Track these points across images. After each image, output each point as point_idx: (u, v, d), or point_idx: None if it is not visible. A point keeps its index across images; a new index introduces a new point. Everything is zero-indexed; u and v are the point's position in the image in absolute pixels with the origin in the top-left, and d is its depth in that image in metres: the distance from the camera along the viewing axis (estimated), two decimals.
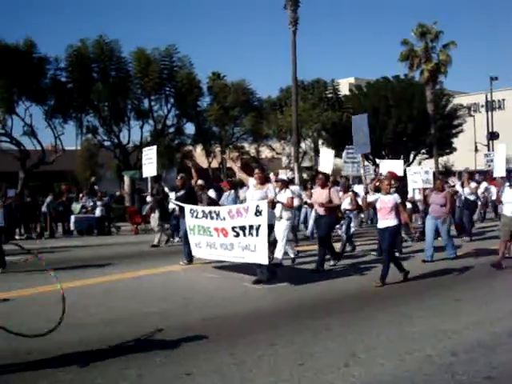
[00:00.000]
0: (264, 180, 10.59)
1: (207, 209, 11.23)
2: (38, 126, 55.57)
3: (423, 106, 40.31)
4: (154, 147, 14.80)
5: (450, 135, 44.71)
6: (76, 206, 24.59)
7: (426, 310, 8.09)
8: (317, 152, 42.49)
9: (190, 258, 12.37)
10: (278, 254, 11.54)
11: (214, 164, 42.66)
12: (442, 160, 47.35)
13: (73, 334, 6.93)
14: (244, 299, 9.10)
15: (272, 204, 10.20)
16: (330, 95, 43.61)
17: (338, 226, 13.87)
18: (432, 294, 9.31)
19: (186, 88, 36.37)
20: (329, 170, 15.77)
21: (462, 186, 17.20)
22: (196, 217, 11.28)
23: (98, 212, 22.91)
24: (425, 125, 40.24)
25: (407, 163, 44.51)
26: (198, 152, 44.22)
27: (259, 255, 9.63)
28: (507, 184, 12.18)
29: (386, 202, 10.18)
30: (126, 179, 35.36)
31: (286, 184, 12.24)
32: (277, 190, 11.74)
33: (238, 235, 10.06)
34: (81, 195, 27.99)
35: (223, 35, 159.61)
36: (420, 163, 42.78)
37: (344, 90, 46.39)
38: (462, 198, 16.98)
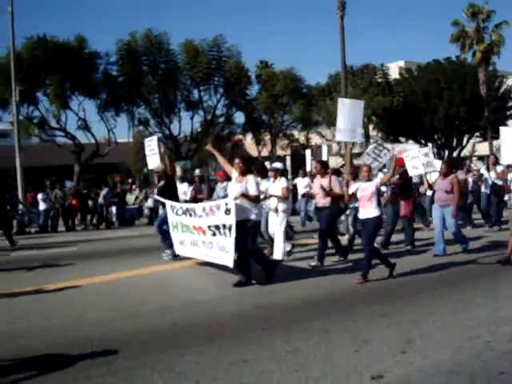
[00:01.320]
0: (245, 171, 9.40)
1: (185, 206, 10.59)
2: (91, 120, 56.66)
3: (476, 88, 39.38)
4: (155, 137, 14.22)
5: (505, 117, 43.56)
6: (130, 197, 25.16)
7: (481, 296, 7.98)
8: (367, 138, 42.08)
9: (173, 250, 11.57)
10: (278, 254, 10.88)
11: (265, 152, 42.70)
12: (497, 143, 46.19)
13: (131, 323, 7.12)
14: (297, 286, 9.12)
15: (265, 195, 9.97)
16: (379, 80, 43.01)
17: (342, 218, 12.99)
18: (482, 281, 9.16)
19: (235, 77, 36.54)
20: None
21: (488, 170, 16.17)
22: (177, 213, 10.66)
23: (149, 202, 23.32)
24: (478, 108, 39.35)
25: (460, 146, 43.67)
26: (248, 141, 44.36)
27: (228, 257, 9.04)
28: None
29: (364, 189, 9.40)
30: (178, 169, 35.75)
31: (280, 173, 11.36)
32: (271, 180, 11.29)
33: (214, 234, 9.38)
34: (134, 186, 28.52)
35: (271, 23, 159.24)
36: (474, 146, 41.89)
37: (394, 74, 45.66)
38: (490, 182, 15.99)
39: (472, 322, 6.61)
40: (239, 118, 42.13)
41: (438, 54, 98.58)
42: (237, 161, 9.51)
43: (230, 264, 8.99)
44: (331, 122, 41.80)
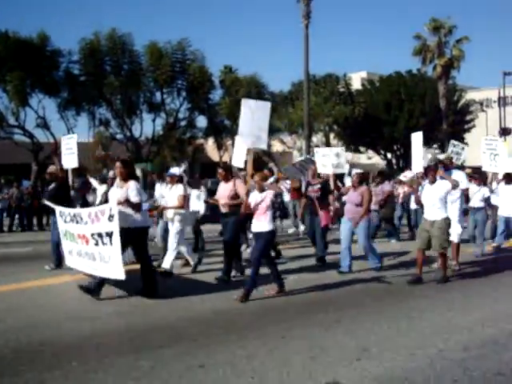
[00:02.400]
0: (127, 176, 8.63)
1: (73, 211, 9.22)
2: (51, 119, 55.81)
3: (436, 101, 40.18)
4: (75, 135, 12.86)
5: (462, 130, 44.50)
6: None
7: (434, 305, 8.11)
8: (328, 146, 42.44)
9: (58, 263, 10.96)
10: (166, 263, 10.33)
11: (226, 157, 42.64)
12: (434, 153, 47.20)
13: (86, 326, 7.02)
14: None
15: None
16: (342, 89, 43.53)
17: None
18: (436, 290, 9.30)
19: (198, 81, 36.47)
20: (240, 163, 11.38)
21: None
22: (65, 221, 9.33)
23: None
24: (437, 120, 40.13)
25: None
26: (210, 145, 44.28)
27: (114, 268, 8.00)
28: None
29: (258, 200, 8.60)
30: (138, 171, 35.44)
31: (177, 179, 10.75)
32: (169, 186, 10.87)
33: (97, 244, 8.29)
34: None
35: (235, 29, 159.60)
36: (451, 157, 42.50)
37: (356, 84, 46.27)
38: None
39: (426, 330, 6.71)
40: (201, 122, 41.95)
41: (400, 66, 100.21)
42: (117, 164, 8.79)
43: (119, 276, 7.94)
44: (293, 129, 42.17)
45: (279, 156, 43.97)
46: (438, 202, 9.61)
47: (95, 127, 38.12)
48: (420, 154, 11.21)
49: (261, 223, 8.58)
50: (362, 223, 10.61)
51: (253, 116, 9.29)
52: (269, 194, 8.62)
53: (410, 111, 41.20)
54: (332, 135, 44.43)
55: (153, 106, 37.45)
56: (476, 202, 12.86)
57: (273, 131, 42.92)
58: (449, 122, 40.55)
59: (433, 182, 9.77)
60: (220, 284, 9.55)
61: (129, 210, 8.32)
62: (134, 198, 8.35)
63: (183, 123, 39.66)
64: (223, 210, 10.25)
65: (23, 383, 5.13)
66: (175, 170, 11.03)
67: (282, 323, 7.08)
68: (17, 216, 21.74)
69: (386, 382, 5.09)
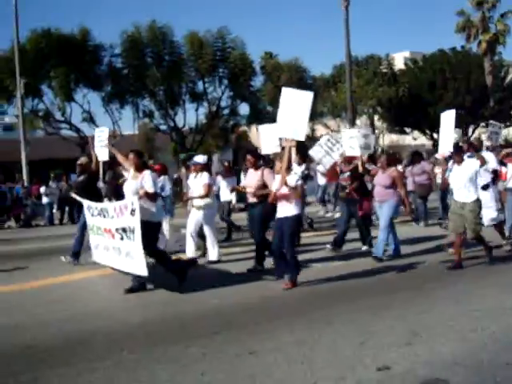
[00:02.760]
0: (140, 166, 8.53)
1: (100, 206, 9.23)
2: (96, 112, 56.71)
3: (481, 78, 39.26)
4: (106, 129, 12.80)
5: (510, 107, 43.39)
6: None
7: (485, 287, 7.96)
8: (373, 128, 41.97)
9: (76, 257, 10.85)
10: (213, 255, 10.31)
11: None
12: (503, 134, 46.08)
13: (135, 315, 7.14)
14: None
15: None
16: (384, 70, 42.85)
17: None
18: (488, 271, 9.13)
19: (239, 69, 36.39)
20: (269, 151, 11.59)
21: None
22: (92, 214, 9.35)
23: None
24: (483, 97, 39.21)
25: (466, 137, 43.51)
26: (253, 132, 44.27)
27: (137, 264, 7.97)
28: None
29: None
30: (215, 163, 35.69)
31: (201, 167, 10.43)
32: (192, 174, 10.65)
33: (122, 238, 8.29)
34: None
35: (275, 14, 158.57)
36: (480, 137, 41.70)
37: (399, 64, 45.49)
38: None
39: (477, 313, 6.60)
40: (244, 109, 41.81)
41: (444, 44, 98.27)
42: (130, 155, 8.67)
43: (142, 272, 7.90)
44: (336, 112, 41.80)
45: None
46: (467, 183, 9.22)
47: (139, 119, 38.51)
48: (451, 135, 10.38)
49: (285, 207, 8.29)
50: (389, 205, 10.32)
51: (293, 106, 8.89)
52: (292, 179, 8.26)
53: (455, 90, 40.33)
54: (376, 117, 43.86)
55: (195, 95, 37.57)
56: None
57: (316, 115, 42.71)
58: (496, 99, 39.58)
59: (460, 162, 9.40)
60: (256, 273, 9.40)
61: (147, 204, 8.23)
62: (150, 189, 8.24)
63: (226, 111, 39.67)
64: (250, 199, 10.01)
65: (75, 373, 5.26)
66: (199, 159, 10.78)
67: (328, 309, 7.08)
68: (67, 209, 22.17)
69: (438, 367, 5.03)
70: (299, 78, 39.82)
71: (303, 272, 8.70)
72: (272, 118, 41.48)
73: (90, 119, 35.40)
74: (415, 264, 9.85)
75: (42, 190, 22.00)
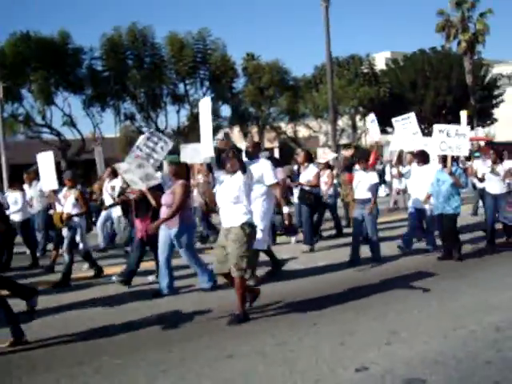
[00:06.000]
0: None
1: None
2: (76, 116, 56.39)
3: (462, 77, 39.59)
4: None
5: (491, 106, 43.78)
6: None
7: (467, 285, 7.99)
8: (354, 129, 42.11)
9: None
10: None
11: None
12: (484, 132, 46.51)
13: (116, 319, 7.07)
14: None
15: None
16: (365, 70, 43.02)
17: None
18: (469, 270, 9.15)
19: (221, 70, 36.40)
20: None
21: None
22: None
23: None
24: (464, 96, 39.50)
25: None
26: (236, 134, 44.25)
27: None
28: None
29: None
30: (165, 164, 35.62)
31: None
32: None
33: None
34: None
35: (256, 15, 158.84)
36: None
37: (380, 64, 45.72)
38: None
39: (458, 312, 6.62)
40: (226, 111, 41.86)
41: (424, 43, 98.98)
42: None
43: None
44: (318, 113, 41.87)
45: (305, 141, 43.79)
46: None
47: (121, 122, 38.35)
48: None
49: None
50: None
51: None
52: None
53: (436, 89, 40.62)
54: (358, 117, 43.99)
55: (176, 97, 37.51)
56: None
57: (298, 116, 42.76)
58: (476, 98, 39.91)
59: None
60: None
61: None
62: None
63: None
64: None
65: (54, 379, 5.19)
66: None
67: (313, 310, 7.03)
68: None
69: (417, 365, 5.02)
70: (281, 79, 39.89)
71: (285, 273, 8.67)
72: (254, 119, 41.61)
73: (71, 123, 35.19)
74: (395, 264, 9.86)
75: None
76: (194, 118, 37.83)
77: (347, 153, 15.73)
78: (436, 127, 10.12)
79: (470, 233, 12.33)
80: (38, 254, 12.19)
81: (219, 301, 7.75)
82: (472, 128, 40.33)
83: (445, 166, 9.73)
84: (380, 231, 12.34)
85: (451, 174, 9.53)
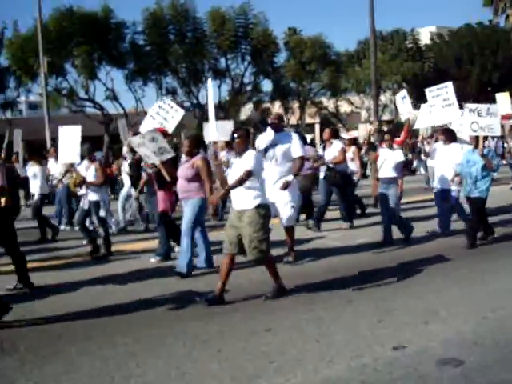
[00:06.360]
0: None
1: None
2: (119, 90, 56.94)
3: (509, 53, 38.51)
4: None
5: None
6: None
7: (508, 266, 7.87)
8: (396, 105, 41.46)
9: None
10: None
11: (293, 121, 42.39)
12: None
13: (154, 292, 7.20)
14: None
15: None
16: (409, 45, 42.23)
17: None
18: (509, 251, 8.99)
19: (262, 45, 36.17)
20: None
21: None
22: None
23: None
24: (511, 73, 38.47)
25: None
26: (276, 109, 44.08)
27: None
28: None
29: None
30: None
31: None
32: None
33: None
34: None
35: None
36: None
37: (425, 39, 44.76)
38: None
39: (497, 293, 6.54)
40: (267, 85, 41.71)
41: (470, 18, 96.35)
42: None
43: None
44: (360, 88, 41.38)
45: (347, 117, 43.39)
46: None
47: (162, 96, 38.53)
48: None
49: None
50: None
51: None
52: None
53: (482, 65, 39.64)
54: None
55: (218, 72, 37.47)
56: None
57: (340, 91, 42.33)
58: None
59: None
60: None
61: None
62: None
63: (249, 88, 39.55)
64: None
65: (96, 347, 5.34)
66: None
67: (349, 287, 7.04)
68: None
69: (454, 346, 5.00)
70: (323, 54, 39.47)
71: (318, 250, 8.69)
72: (295, 94, 41.29)
73: (114, 97, 35.56)
74: (434, 243, 9.76)
75: None
76: (235, 93, 37.85)
77: (368, 129, 15.52)
78: (467, 106, 9.72)
79: None
80: (62, 227, 12.70)
81: (258, 274, 7.80)
82: None
83: (476, 146, 9.31)
84: (415, 210, 12.24)
85: (483, 155, 9.10)
